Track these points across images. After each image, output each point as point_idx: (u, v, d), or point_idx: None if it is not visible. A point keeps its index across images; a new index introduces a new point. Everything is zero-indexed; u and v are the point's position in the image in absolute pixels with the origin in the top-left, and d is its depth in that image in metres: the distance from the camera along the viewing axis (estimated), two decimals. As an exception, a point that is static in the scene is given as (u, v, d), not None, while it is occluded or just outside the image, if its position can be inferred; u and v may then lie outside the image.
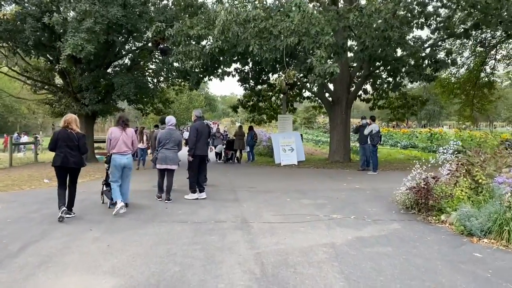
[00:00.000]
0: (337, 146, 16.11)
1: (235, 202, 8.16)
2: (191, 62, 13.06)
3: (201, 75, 15.78)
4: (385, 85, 17.23)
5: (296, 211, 7.19)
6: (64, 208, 6.60)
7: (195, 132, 8.51)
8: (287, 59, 12.02)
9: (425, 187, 6.45)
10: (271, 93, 20.73)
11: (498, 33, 17.45)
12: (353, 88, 16.75)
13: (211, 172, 13.17)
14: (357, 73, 16.93)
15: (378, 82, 17.34)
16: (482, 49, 17.90)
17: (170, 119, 8.68)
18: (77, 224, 6.37)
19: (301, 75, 14.01)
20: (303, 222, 6.35)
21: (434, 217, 6.35)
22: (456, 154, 7.36)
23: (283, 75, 11.47)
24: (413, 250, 4.94)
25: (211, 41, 13.15)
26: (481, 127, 64.10)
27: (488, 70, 20.24)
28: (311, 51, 11.24)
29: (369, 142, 13.12)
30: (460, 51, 18.14)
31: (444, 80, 20.13)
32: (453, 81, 20.44)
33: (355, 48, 13.37)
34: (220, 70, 14.94)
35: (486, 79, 20.36)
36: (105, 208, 7.55)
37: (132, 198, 8.55)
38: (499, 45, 18.51)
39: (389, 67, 14.81)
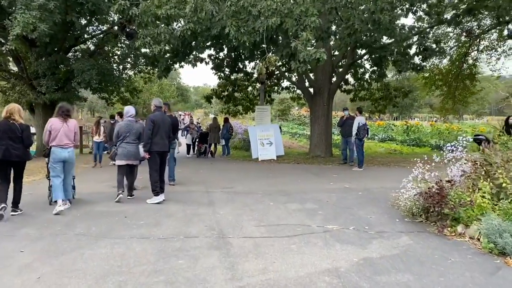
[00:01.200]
0: (318, 139, 15.05)
1: (209, 208, 6.92)
2: (159, 46, 11.63)
3: (171, 61, 14.36)
4: (367, 75, 16.24)
5: (284, 220, 6.02)
6: (4, 205, 6.03)
7: (151, 125, 7.27)
8: (266, 44, 10.78)
9: (439, 192, 5.39)
10: (247, 83, 19.44)
11: (485, 22, 16.76)
12: (335, 78, 15.66)
13: (182, 169, 11.87)
14: (339, 62, 15.84)
15: (360, 72, 16.34)
16: (467, 38, 17.14)
17: (129, 110, 7.76)
18: (7, 241, 4.99)
19: (280, 62, 12.81)
20: (294, 237, 5.18)
21: (449, 228, 5.30)
22: (465, 151, 6.35)
23: (263, 62, 10.22)
24: (440, 279, 3.85)
25: (182, 22, 11.78)
26: (450, 119, 64.72)
27: (471, 61, 19.59)
28: (292, 35, 10.05)
29: (354, 136, 12.09)
30: (445, 41, 17.30)
31: (426, 71, 19.30)
32: (435, 72, 19.67)
33: (339, 33, 12.21)
34: (192, 56, 13.54)
35: (468, 70, 19.72)
36: (49, 217, 6.16)
37: (86, 201, 7.22)
38: (483, 35, 17.82)
39: (375, 55, 13.76)
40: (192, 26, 10.80)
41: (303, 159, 14.65)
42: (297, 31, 9.74)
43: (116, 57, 19.23)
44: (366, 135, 12.23)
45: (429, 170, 6.39)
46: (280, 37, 11.51)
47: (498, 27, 15.92)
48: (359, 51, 13.97)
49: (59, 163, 6.51)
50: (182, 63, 15.19)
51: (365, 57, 15.17)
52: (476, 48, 19.15)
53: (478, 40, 18.34)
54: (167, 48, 11.85)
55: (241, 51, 13.48)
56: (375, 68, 15.45)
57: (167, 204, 7.16)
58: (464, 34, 16.46)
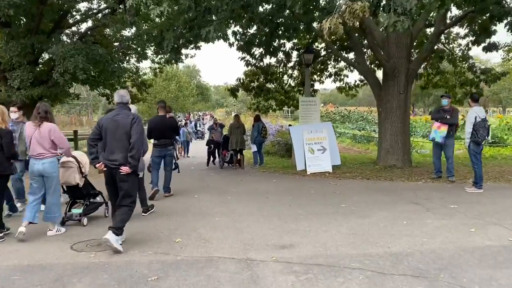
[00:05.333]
0: (392, 143, 10.62)
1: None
2: (160, 7, 7.52)
3: (183, 39, 10.26)
4: (458, 49, 11.68)
5: None
6: None
7: None
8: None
9: None
10: (282, 69, 15.12)
11: None
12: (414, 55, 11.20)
13: (198, 192, 7.72)
14: (420, 32, 11.25)
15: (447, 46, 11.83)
16: None
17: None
18: None
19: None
20: None
21: None
22: None
23: (336, 16, 5.85)
24: None
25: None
26: (491, 113, 58.67)
27: None
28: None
29: (468, 138, 7.70)
30: None
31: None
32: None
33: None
34: (212, 28, 9.10)
35: None
36: None
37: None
38: None
39: (482, 17, 9.18)
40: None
41: (372, 172, 10.24)
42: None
43: (115, 42, 15.27)
44: (486, 137, 7.77)
45: None
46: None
47: None
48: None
49: (35, 178, 5.29)
50: (198, 42, 11.14)
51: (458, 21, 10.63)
52: None
53: None
54: (170, 10, 7.71)
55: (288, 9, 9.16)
56: (472, 38, 10.89)
57: None
58: None
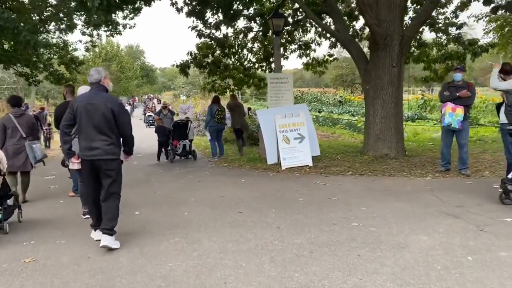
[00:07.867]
0: (383, 128, 8.69)
1: None
2: None
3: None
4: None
5: None
6: None
7: None
8: None
9: None
10: (241, 42, 12.75)
11: None
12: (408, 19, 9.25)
13: (135, 204, 5.23)
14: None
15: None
16: None
17: None
18: None
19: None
20: None
21: None
22: None
23: None
24: None
25: None
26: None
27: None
28: None
29: (504, 119, 5.90)
30: None
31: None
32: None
33: None
34: None
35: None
36: None
37: None
38: None
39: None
40: None
41: (362, 164, 8.26)
42: None
43: (32, 8, 12.17)
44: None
45: None
46: None
47: None
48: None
49: None
50: (137, 3, 8.60)
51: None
52: None
53: None
54: None
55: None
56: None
57: None
58: None
